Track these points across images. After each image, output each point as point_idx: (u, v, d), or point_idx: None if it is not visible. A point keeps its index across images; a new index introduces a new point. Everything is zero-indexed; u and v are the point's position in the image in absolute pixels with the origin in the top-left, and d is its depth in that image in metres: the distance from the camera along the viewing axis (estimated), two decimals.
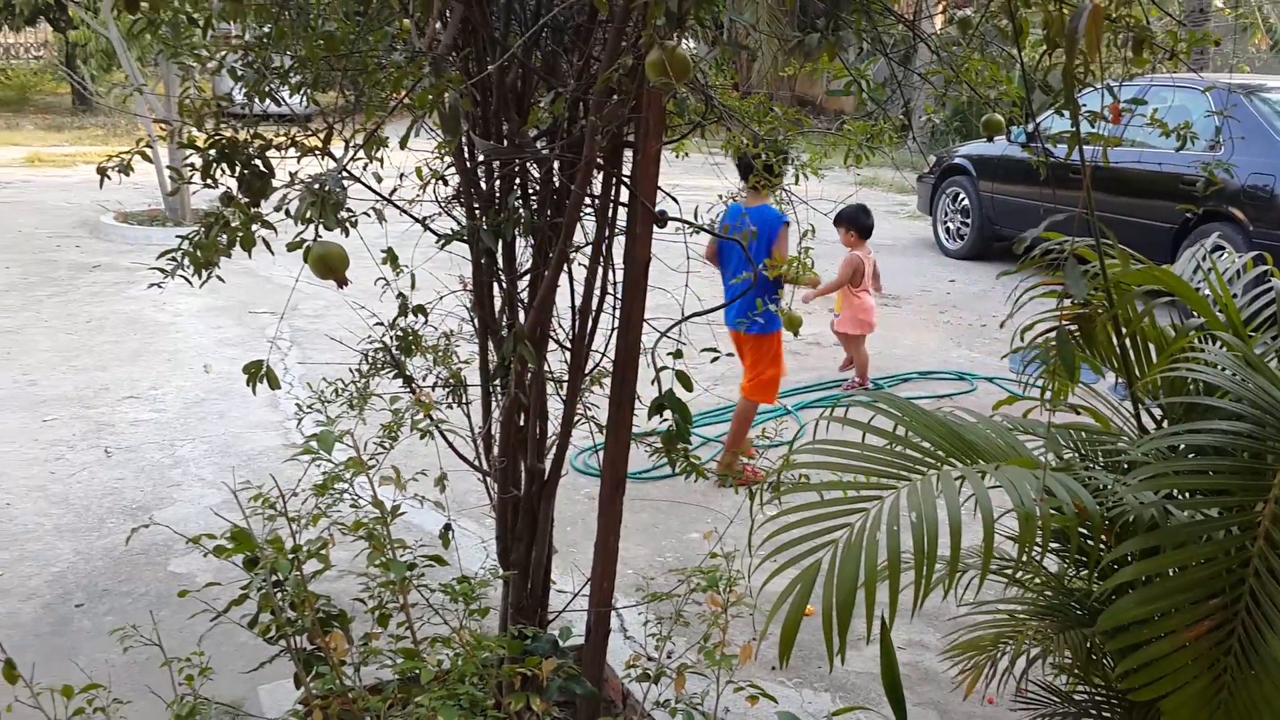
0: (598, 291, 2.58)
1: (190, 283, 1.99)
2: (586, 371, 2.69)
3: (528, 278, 2.63)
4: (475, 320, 2.74)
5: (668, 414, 2.46)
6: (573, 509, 4.68)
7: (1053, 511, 1.87)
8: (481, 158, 2.53)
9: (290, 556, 2.01)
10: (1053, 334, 2.09)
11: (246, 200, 1.91)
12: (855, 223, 6.55)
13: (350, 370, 2.87)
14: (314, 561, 2.11)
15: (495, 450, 2.75)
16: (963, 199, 11.10)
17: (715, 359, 2.64)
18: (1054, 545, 2.31)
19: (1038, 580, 2.43)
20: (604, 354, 2.68)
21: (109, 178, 2.07)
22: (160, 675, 2.31)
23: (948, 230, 11.38)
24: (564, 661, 2.24)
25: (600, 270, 2.53)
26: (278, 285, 8.57)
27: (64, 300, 8.29)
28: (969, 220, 11.03)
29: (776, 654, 1.91)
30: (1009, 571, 2.46)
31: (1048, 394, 2.24)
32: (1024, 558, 1.97)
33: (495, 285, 2.65)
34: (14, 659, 2.04)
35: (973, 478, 1.90)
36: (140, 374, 6.61)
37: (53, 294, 8.46)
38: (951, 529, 1.81)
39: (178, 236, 1.97)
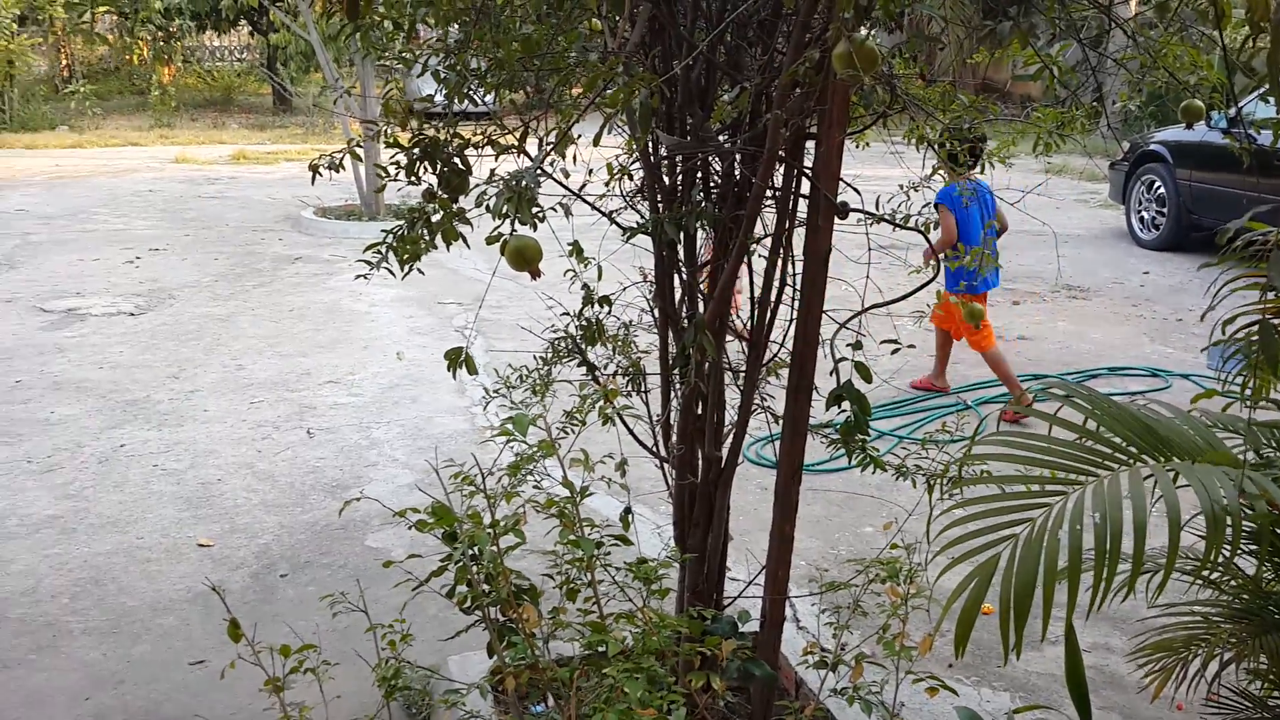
0: (777, 283, 2.61)
1: (393, 274, 2.12)
2: (764, 362, 2.72)
3: (708, 269, 2.68)
4: (656, 311, 2.81)
5: (846, 405, 2.47)
6: (745, 499, 4.72)
7: (1248, 511, 1.80)
8: (665, 152, 2.59)
9: (487, 531, 2.12)
10: (1254, 328, 2.01)
11: (446, 196, 2.02)
12: None
13: (534, 358, 2.98)
14: (504, 538, 2.21)
15: (674, 438, 2.81)
16: (1158, 187, 10.59)
17: (895, 350, 2.62)
18: (1253, 546, 2.22)
19: (1233, 582, 2.34)
20: (782, 345, 2.70)
21: (320, 174, 2.21)
22: (359, 641, 2.47)
23: (1142, 220, 10.87)
24: (743, 643, 2.28)
25: (780, 262, 2.56)
26: (464, 277, 8.88)
27: (268, 290, 8.80)
28: (1164, 209, 10.51)
29: (952, 649, 1.91)
30: (1204, 573, 2.38)
31: (1248, 390, 2.15)
32: (1214, 559, 1.91)
33: (676, 277, 2.71)
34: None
35: (1161, 477, 1.85)
36: (338, 360, 6.97)
37: (258, 284, 8.99)
38: (1136, 530, 1.76)
39: (382, 231, 2.10)
